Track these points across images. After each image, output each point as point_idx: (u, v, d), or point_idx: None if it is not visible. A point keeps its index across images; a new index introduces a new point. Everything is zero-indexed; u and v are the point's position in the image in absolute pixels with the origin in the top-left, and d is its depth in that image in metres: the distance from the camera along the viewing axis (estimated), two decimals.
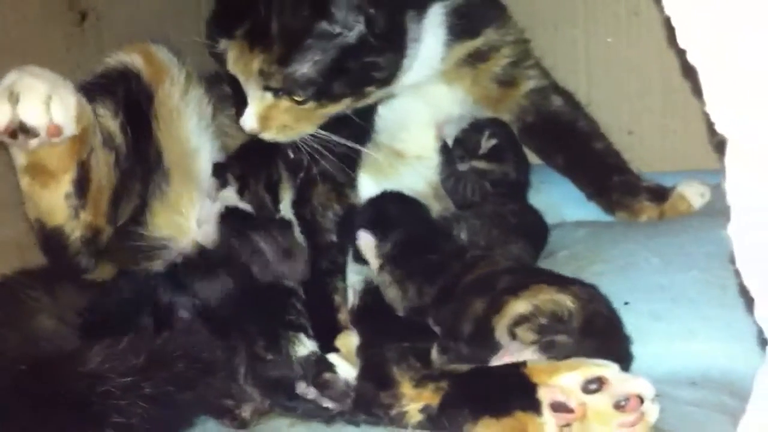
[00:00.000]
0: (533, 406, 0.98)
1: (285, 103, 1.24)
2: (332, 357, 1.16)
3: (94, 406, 0.98)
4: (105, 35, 1.50)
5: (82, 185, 1.18)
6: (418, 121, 1.42)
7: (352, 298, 1.28)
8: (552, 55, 1.54)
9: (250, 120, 1.26)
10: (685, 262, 1.20)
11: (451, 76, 1.40)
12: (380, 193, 1.36)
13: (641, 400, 0.94)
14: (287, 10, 1.18)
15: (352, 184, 1.36)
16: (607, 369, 0.97)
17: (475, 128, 1.40)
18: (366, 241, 1.28)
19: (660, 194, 1.41)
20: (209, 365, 1.07)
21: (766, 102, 0.48)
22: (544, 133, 1.48)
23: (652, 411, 0.95)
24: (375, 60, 1.23)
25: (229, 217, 1.28)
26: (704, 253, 1.20)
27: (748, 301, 0.52)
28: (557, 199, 1.50)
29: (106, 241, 1.25)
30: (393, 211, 1.32)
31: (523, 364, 1.01)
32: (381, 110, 1.38)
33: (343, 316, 1.24)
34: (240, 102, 1.27)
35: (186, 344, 1.06)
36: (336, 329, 1.22)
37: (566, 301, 1.04)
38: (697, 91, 0.51)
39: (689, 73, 0.51)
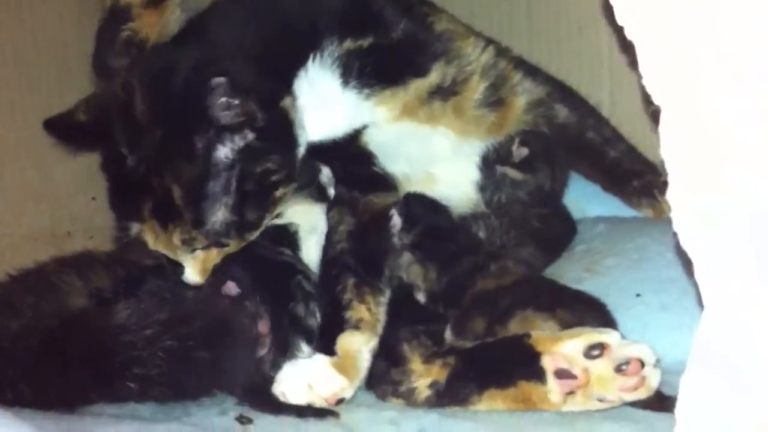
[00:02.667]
0: (537, 374, 1.01)
1: (214, 249, 1.24)
2: (318, 362, 1.14)
3: (118, 357, 1.03)
4: None
5: None
6: (443, 154, 1.38)
7: None
8: (577, 57, 1.54)
9: (193, 278, 1.24)
10: None
11: (421, 116, 1.33)
12: (405, 194, 1.37)
13: (642, 365, 0.97)
14: (181, 171, 1.16)
15: (363, 200, 1.34)
16: (609, 335, 1.00)
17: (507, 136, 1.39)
18: (394, 222, 1.31)
19: None
20: (227, 326, 1.09)
21: (697, 72, 0.51)
22: (558, 145, 1.44)
23: (653, 375, 0.98)
24: (266, 167, 1.21)
25: None
26: None
27: (686, 264, 0.54)
28: (578, 195, 1.50)
29: None
30: (418, 207, 1.35)
31: (528, 335, 1.05)
32: (409, 141, 1.35)
33: (354, 314, 1.20)
34: (173, 262, 1.26)
35: (208, 305, 1.10)
36: (340, 328, 1.19)
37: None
38: (633, 65, 0.54)
39: (626, 48, 0.54)
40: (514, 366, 1.04)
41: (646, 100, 0.54)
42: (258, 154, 1.19)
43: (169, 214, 1.19)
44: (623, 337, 1.02)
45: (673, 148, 0.53)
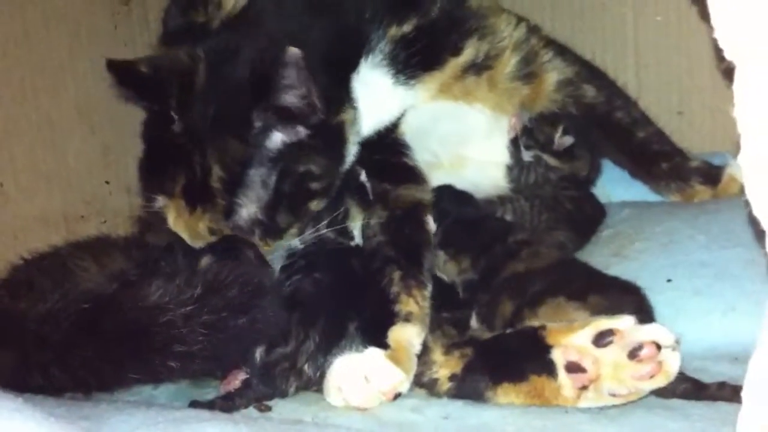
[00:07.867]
0: (548, 369, 0.96)
1: None
2: (373, 355, 1.09)
3: (157, 337, 1.01)
4: (150, 15, 1.52)
5: None
6: (478, 131, 1.39)
7: None
8: (601, 34, 1.53)
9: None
10: (729, 239, 1.18)
11: (456, 92, 1.35)
12: (436, 188, 1.36)
13: (658, 348, 0.91)
14: (228, 149, 1.15)
15: (394, 193, 1.31)
16: (620, 321, 0.94)
17: (547, 120, 1.39)
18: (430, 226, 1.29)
19: (712, 176, 1.38)
20: (259, 287, 1.07)
21: None
22: (585, 126, 1.42)
23: (672, 359, 0.91)
24: (309, 168, 1.19)
25: None
26: (750, 231, 1.17)
27: (759, 233, 0.50)
28: (603, 180, 1.49)
29: None
30: (448, 200, 1.34)
31: (543, 326, 1.00)
32: (444, 120, 1.37)
33: (404, 307, 1.14)
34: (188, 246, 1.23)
35: (237, 271, 1.08)
36: (390, 321, 1.13)
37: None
38: (704, 16, 0.50)
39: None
40: (525, 359, 0.99)
41: (718, 56, 0.50)
42: (305, 152, 1.18)
43: (200, 197, 1.16)
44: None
45: (748, 109, 0.49)
